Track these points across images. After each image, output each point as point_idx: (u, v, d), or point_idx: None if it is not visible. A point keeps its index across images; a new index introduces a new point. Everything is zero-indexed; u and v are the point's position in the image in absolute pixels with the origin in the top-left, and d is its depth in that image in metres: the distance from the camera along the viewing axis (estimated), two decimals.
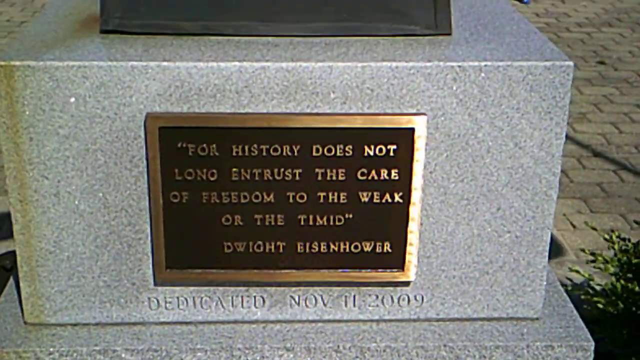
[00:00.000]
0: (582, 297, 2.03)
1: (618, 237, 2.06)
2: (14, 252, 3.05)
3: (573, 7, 6.90)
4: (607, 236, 2.07)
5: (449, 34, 1.53)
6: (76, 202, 1.46)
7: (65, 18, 1.65)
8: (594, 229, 2.18)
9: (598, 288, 2.10)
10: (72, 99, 1.40)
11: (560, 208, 3.30)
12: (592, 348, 1.53)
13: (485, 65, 1.39)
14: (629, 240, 2.09)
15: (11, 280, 1.69)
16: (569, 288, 2.05)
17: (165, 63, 1.39)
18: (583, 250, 2.19)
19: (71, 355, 1.48)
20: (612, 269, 2.00)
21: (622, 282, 1.97)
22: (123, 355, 1.48)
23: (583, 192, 3.65)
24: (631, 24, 6.39)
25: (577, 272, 2.11)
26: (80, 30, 1.58)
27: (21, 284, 1.51)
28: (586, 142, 4.15)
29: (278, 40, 1.50)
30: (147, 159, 1.43)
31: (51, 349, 1.48)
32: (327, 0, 1.51)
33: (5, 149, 1.43)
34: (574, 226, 3.35)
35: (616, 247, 2.04)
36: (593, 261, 2.07)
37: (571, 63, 1.39)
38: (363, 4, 1.51)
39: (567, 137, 1.44)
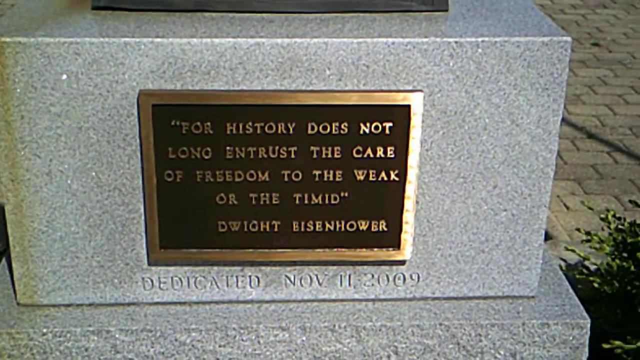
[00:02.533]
0: (577, 276, 2.02)
1: (614, 216, 2.06)
2: (4, 234, 3.03)
3: None
4: (602, 215, 2.06)
5: (446, 10, 1.51)
6: (69, 181, 1.44)
7: None
8: (590, 208, 2.17)
9: (593, 268, 2.09)
10: (64, 76, 1.38)
11: (554, 190, 3.30)
12: (588, 325, 1.53)
13: (483, 41, 1.37)
14: (625, 219, 2.09)
15: (3, 261, 1.67)
16: (564, 269, 2.04)
17: (158, 39, 1.37)
18: (578, 230, 2.19)
19: (65, 336, 1.47)
20: (607, 249, 1.99)
21: (618, 261, 1.96)
22: (117, 335, 1.47)
23: (577, 174, 3.65)
24: (626, 6, 6.37)
25: (573, 251, 2.11)
26: (71, 7, 1.55)
27: (13, 265, 1.50)
28: (580, 124, 4.14)
29: (273, 17, 1.48)
30: (140, 137, 1.41)
31: (44, 330, 1.47)
32: None
33: None
34: (567, 208, 3.35)
35: (612, 226, 2.03)
36: (588, 241, 2.06)
37: (569, 38, 1.38)
38: None
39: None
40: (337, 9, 1.49)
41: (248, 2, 1.50)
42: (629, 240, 1.96)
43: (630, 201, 2.26)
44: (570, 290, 1.61)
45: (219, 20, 1.46)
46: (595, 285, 1.96)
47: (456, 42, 1.37)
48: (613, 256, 1.98)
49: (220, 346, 1.48)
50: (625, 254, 2.01)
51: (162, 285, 1.52)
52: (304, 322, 1.49)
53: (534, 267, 1.53)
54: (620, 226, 2.03)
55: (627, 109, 4.36)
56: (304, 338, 1.49)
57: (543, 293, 1.59)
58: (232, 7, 1.50)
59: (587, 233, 2.06)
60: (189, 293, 1.53)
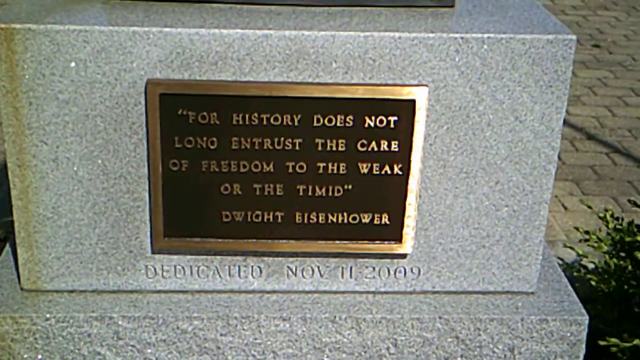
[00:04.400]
0: (575, 274, 2.04)
1: (612, 216, 2.08)
2: (8, 223, 3.04)
3: None
4: (601, 214, 2.08)
5: (452, 6, 1.52)
6: (75, 168, 1.45)
7: None
8: (589, 207, 2.19)
9: (590, 267, 2.11)
10: (73, 64, 1.39)
11: (552, 190, 3.32)
12: (586, 322, 1.54)
13: (488, 37, 1.38)
14: (623, 219, 2.10)
15: (7, 246, 1.68)
16: (562, 267, 2.06)
17: (167, 29, 1.38)
18: (577, 229, 2.20)
19: (67, 321, 1.48)
20: (605, 247, 2.01)
21: (615, 260, 1.98)
22: (120, 322, 1.48)
23: (575, 175, 3.66)
24: (627, 8, 6.39)
25: (572, 248, 2.12)
26: None
27: (18, 250, 1.51)
28: (580, 125, 4.15)
29: (280, 9, 1.49)
30: (147, 126, 1.43)
31: (47, 315, 1.48)
32: None
33: (4, 112, 1.42)
34: (565, 208, 3.37)
35: (610, 225, 2.05)
36: (587, 240, 2.08)
37: (574, 36, 1.39)
38: None
39: None
40: (344, 3, 1.51)
41: None
42: (626, 240, 1.98)
43: (629, 201, 2.28)
44: (569, 287, 1.62)
45: (227, 12, 1.47)
46: (593, 283, 1.98)
47: (462, 38, 1.38)
48: (611, 255, 2.00)
49: (221, 335, 1.49)
50: (622, 254, 2.03)
51: (165, 273, 1.53)
52: (304, 313, 1.50)
53: (533, 264, 1.55)
54: (618, 226, 2.05)
55: (626, 111, 4.38)
56: (304, 328, 1.51)
57: (542, 289, 1.60)
58: (239, 0, 1.51)
59: (586, 232, 2.08)
60: (191, 282, 1.54)
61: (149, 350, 1.50)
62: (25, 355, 1.49)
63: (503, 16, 1.48)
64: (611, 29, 5.82)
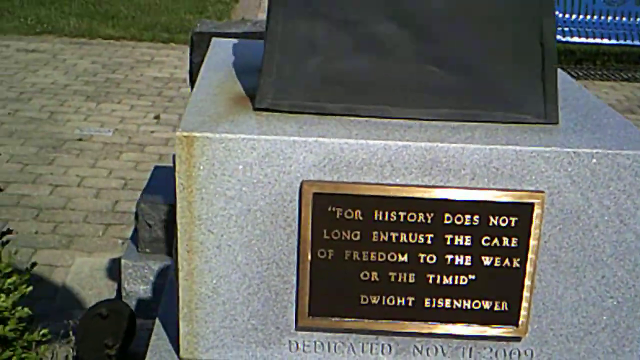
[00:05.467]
0: None
1: None
2: (108, 301, 3.30)
3: (595, 94, 7.15)
4: None
5: (557, 123, 1.76)
6: (235, 254, 1.70)
7: (215, 97, 1.90)
8: None
9: None
10: (240, 166, 1.65)
11: None
12: None
13: (597, 152, 1.62)
14: None
15: (157, 320, 1.91)
16: None
17: (321, 139, 1.64)
18: None
19: None
20: None
21: None
22: None
23: None
24: None
25: None
26: (235, 107, 1.83)
27: (180, 324, 1.74)
28: None
29: (410, 123, 1.74)
30: (299, 220, 1.67)
31: None
32: (451, 89, 1.76)
33: (179, 206, 1.68)
34: None
35: None
36: None
37: None
38: (482, 95, 1.75)
39: None
40: (463, 119, 1.76)
41: (386, 111, 1.77)
42: None
43: None
44: None
45: (365, 124, 1.72)
46: None
47: (574, 152, 1.62)
48: None
49: None
50: None
51: (305, 348, 1.74)
52: None
53: (635, 350, 1.73)
54: None
55: None
56: None
57: None
58: (372, 114, 1.76)
59: None
60: (328, 357, 1.75)
61: None
62: None
63: (604, 134, 1.72)
64: None
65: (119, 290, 3.94)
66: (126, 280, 3.65)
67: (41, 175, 5.69)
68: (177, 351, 1.77)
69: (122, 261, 3.71)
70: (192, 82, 3.83)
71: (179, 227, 1.69)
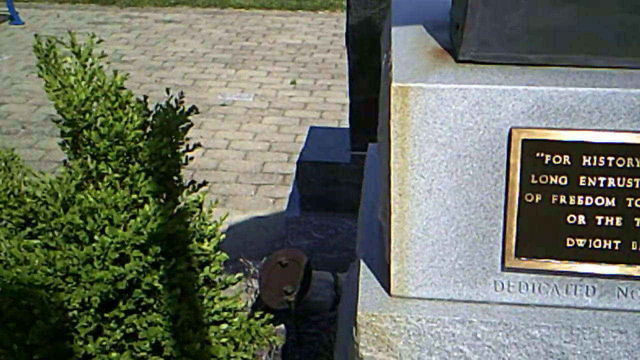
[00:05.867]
0: None
1: None
2: (287, 250, 3.49)
3: None
4: None
5: None
6: (444, 198, 1.80)
7: (415, 51, 1.99)
8: None
9: None
10: (452, 115, 1.74)
11: None
12: None
13: None
14: None
15: (361, 262, 2.05)
16: None
17: (530, 87, 1.71)
18: None
19: (435, 322, 1.81)
20: None
21: None
22: (479, 326, 1.80)
23: None
24: None
25: None
26: (437, 60, 1.91)
27: (392, 263, 1.86)
28: None
29: (612, 71, 1.78)
30: (507, 165, 1.75)
31: (419, 316, 1.82)
32: None
33: (393, 152, 1.79)
34: None
35: None
36: None
37: None
38: None
39: None
40: None
41: (589, 60, 1.80)
42: None
43: None
44: None
45: (568, 74, 1.77)
46: None
47: None
48: None
49: (565, 342, 1.77)
50: None
51: (510, 288, 1.83)
52: (639, 327, 1.76)
53: None
54: None
55: None
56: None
57: None
58: (573, 62, 1.81)
59: None
60: (532, 297, 1.83)
61: (501, 351, 1.80)
62: (400, 346, 1.83)
63: None
64: None
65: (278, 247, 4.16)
66: (289, 234, 3.85)
67: (192, 138, 6.00)
68: (386, 289, 1.90)
69: (285, 216, 3.91)
70: (349, 43, 3.94)
71: (392, 172, 1.80)
